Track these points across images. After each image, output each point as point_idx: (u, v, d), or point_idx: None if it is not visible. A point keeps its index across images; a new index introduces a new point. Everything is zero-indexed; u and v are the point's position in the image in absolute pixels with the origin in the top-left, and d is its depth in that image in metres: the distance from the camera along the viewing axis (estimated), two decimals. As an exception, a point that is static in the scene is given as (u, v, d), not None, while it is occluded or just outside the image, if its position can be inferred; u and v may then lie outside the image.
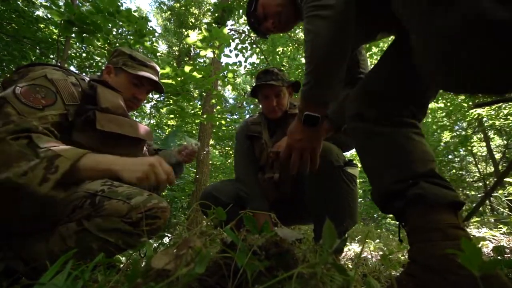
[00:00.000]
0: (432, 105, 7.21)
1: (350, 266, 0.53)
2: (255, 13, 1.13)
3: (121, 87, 1.16)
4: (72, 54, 5.72)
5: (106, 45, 3.76)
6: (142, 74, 1.18)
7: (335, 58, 0.76)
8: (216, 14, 5.46)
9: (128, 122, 1.08)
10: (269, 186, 1.46)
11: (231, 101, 13.76)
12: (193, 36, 3.49)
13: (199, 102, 8.25)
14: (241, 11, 5.98)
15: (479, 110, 6.09)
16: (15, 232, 0.88)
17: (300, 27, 5.64)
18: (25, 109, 0.83)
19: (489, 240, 1.76)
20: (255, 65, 7.19)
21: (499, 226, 1.98)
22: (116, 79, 1.18)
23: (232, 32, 6.49)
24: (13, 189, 0.71)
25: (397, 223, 0.78)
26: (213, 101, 5.19)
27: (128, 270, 0.52)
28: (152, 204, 0.93)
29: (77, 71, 1.13)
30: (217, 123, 4.90)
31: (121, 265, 0.65)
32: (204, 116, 4.80)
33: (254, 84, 1.53)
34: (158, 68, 1.29)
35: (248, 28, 6.44)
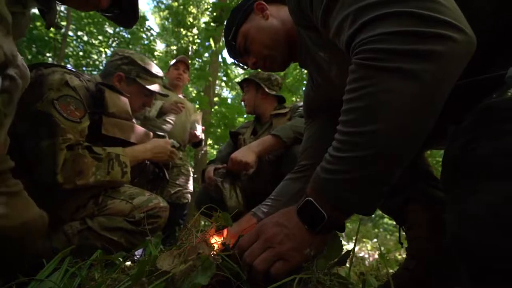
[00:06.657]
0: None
1: (348, 265, 0.53)
2: (233, 43, 0.87)
3: (132, 96, 1.18)
4: (69, 53, 5.68)
5: (103, 43, 3.74)
6: (155, 89, 1.23)
7: (416, 144, 0.44)
8: (215, 14, 5.45)
9: (131, 126, 1.12)
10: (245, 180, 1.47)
11: (229, 100, 13.75)
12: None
13: (197, 102, 8.23)
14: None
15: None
16: None
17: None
18: (69, 124, 0.86)
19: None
20: (253, 64, 7.18)
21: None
22: (127, 88, 1.19)
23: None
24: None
25: (395, 223, 0.80)
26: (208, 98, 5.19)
27: (125, 268, 0.51)
28: (154, 204, 0.98)
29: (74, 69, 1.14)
30: (215, 122, 4.91)
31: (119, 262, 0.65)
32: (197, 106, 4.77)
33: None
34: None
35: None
